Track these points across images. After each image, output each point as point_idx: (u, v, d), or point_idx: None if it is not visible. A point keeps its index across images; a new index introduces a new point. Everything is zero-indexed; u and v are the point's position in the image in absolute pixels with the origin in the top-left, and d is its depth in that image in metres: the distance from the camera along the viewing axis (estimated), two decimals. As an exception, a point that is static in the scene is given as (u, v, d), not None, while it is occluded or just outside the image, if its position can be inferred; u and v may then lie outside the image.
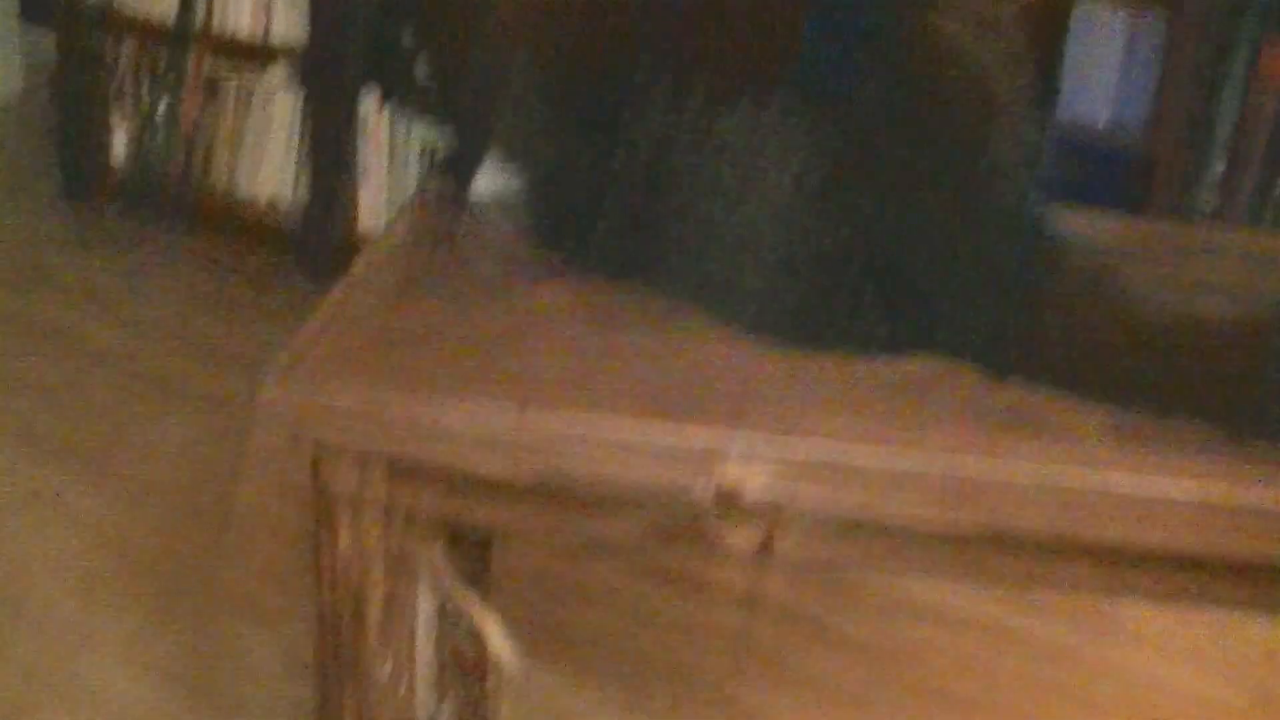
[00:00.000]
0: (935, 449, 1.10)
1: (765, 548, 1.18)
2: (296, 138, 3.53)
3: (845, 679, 2.17)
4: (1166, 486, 1.08)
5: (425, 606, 1.45)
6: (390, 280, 1.28)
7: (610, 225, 1.26)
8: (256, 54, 3.53)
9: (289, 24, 3.48)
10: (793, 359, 1.21)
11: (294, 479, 1.18)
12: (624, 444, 1.10)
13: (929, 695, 2.14)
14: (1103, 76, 2.66)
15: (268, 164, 3.59)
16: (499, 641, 1.49)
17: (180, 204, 3.66)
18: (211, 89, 3.65)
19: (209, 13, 3.58)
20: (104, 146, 3.79)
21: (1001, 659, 2.21)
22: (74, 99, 3.77)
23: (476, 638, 1.52)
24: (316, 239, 3.28)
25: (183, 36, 3.64)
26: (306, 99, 3.43)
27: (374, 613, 1.19)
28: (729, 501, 1.10)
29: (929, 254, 1.21)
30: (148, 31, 3.70)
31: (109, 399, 2.85)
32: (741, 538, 1.18)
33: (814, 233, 1.20)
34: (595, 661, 2.20)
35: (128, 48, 3.75)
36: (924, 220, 1.21)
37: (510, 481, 1.12)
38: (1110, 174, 2.58)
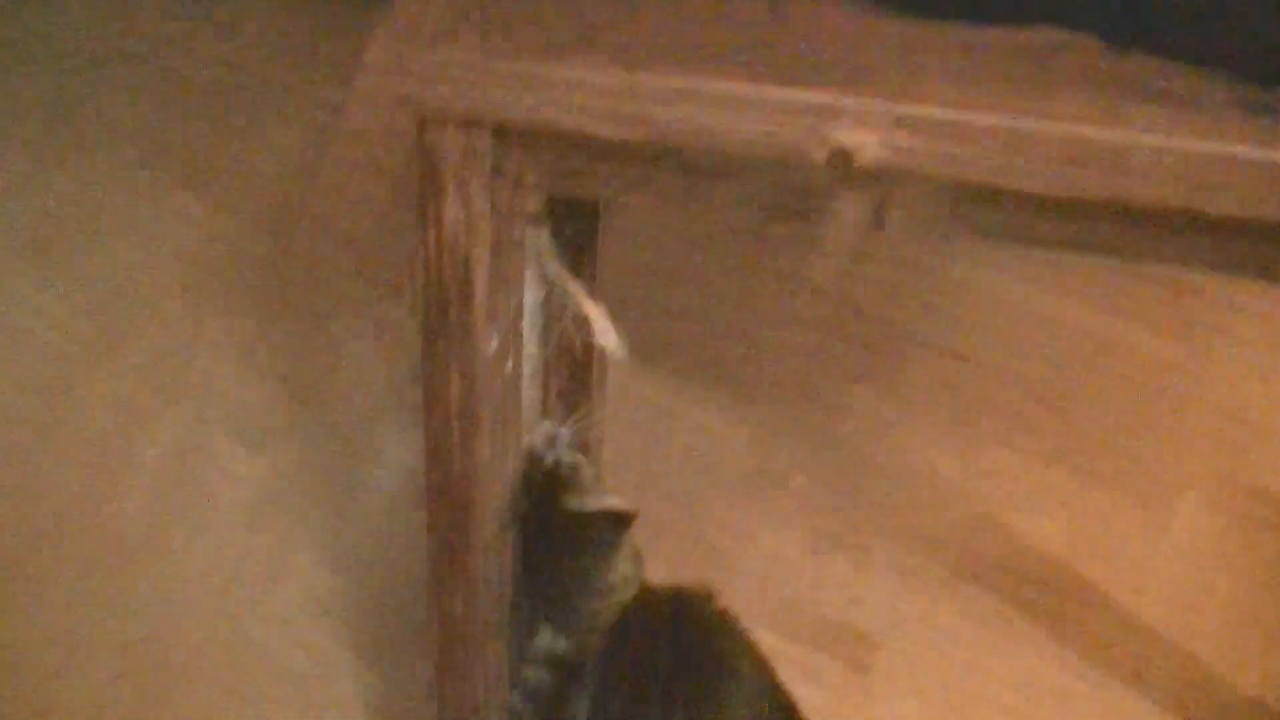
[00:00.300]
0: (1056, 115, 1.05)
1: (879, 216, 1.14)
2: None
3: (943, 387, 2.15)
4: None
5: (532, 294, 1.43)
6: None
7: None
8: None
9: None
10: (910, 24, 1.14)
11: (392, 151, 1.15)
12: (736, 103, 1.05)
13: (1029, 401, 2.12)
14: None
15: None
16: (604, 329, 1.48)
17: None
18: None
19: None
20: None
21: (1103, 370, 2.17)
22: None
23: (582, 325, 1.50)
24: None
25: None
26: None
27: (480, 284, 1.16)
28: (842, 163, 1.06)
29: None
30: None
31: (212, 106, 2.82)
32: (854, 206, 1.14)
33: None
34: (698, 359, 2.19)
35: None
36: None
37: (619, 144, 1.08)
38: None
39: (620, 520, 1.49)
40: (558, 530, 1.48)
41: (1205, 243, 1.12)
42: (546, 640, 1.49)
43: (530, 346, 1.45)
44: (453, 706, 1.45)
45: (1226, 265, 1.14)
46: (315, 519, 2.01)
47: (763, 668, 1.55)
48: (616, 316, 1.52)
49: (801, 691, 1.58)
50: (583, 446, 1.63)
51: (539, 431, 1.57)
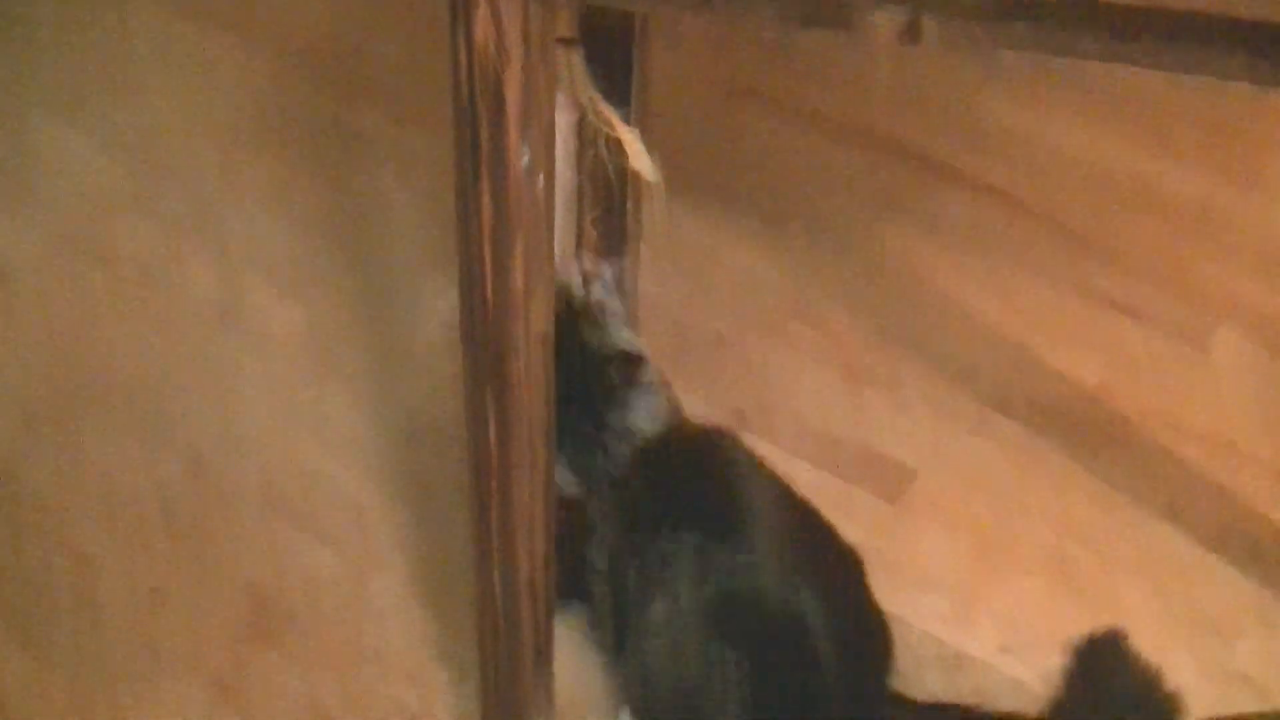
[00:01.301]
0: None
1: (911, 29, 1.12)
2: None
3: (981, 223, 2.15)
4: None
5: (565, 117, 1.42)
6: None
7: None
8: None
9: None
10: None
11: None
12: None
13: (1066, 241, 2.12)
14: None
15: None
16: (638, 153, 1.47)
17: None
18: None
19: None
20: None
21: (1141, 209, 2.17)
22: None
23: (615, 151, 1.49)
24: None
25: None
26: None
27: (513, 101, 1.15)
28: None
29: None
30: None
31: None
32: (886, 18, 1.12)
33: None
34: (735, 199, 2.19)
35: None
36: None
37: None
38: None
39: (630, 362, 1.49)
40: (574, 366, 1.49)
41: (1243, 55, 1.11)
42: (558, 477, 1.49)
43: (564, 172, 1.44)
44: (494, 541, 1.46)
45: (1265, 77, 1.13)
46: (353, 365, 2.02)
47: (784, 491, 1.55)
48: (651, 148, 1.52)
49: (836, 523, 1.59)
50: (615, 281, 1.63)
51: (576, 265, 1.57)
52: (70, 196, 2.25)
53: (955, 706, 1.61)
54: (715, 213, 2.15)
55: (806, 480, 1.57)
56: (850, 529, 1.60)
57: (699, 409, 1.62)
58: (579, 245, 1.60)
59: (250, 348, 2.05)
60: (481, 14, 1.12)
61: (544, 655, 1.56)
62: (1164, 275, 2.08)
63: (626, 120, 1.47)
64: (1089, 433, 1.90)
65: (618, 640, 1.56)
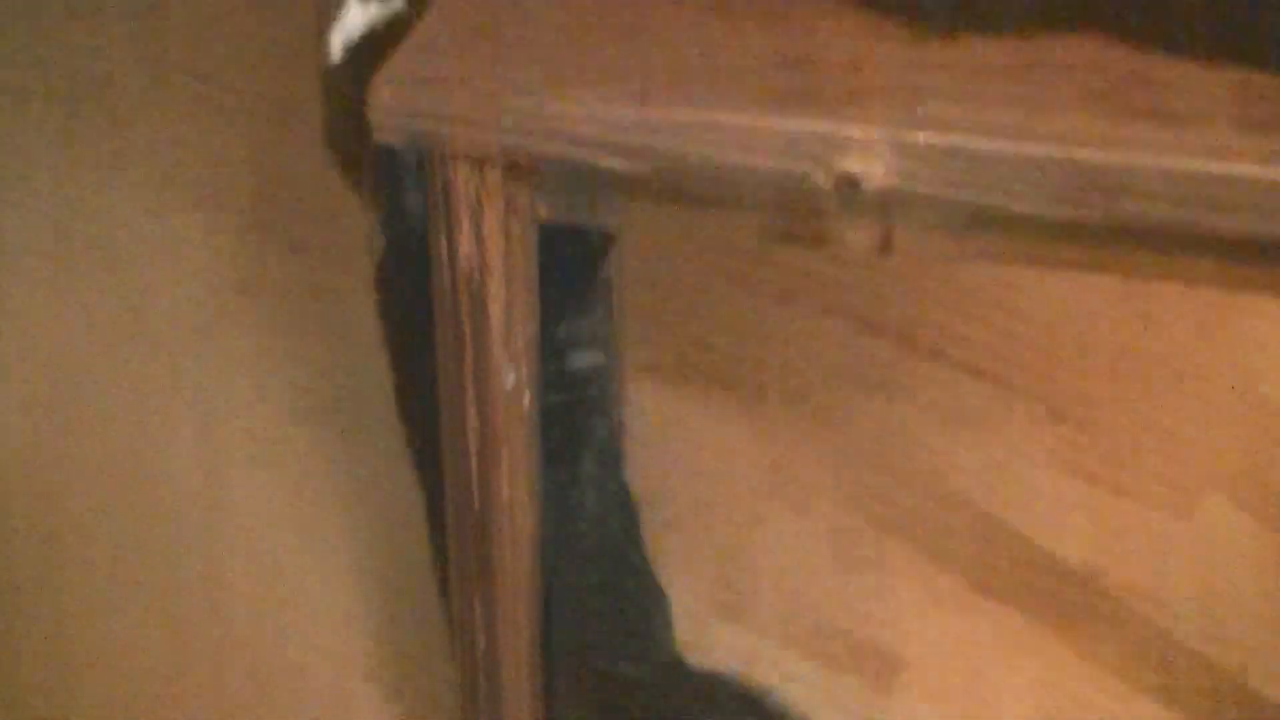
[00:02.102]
0: (1058, 137, 1.06)
1: (885, 243, 1.16)
2: None
3: (963, 399, 2.15)
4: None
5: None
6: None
7: None
8: None
9: None
10: (909, 43, 1.16)
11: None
12: (743, 135, 1.06)
13: (1049, 414, 2.12)
14: None
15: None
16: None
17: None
18: None
19: None
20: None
21: (1122, 376, 2.17)
22: None
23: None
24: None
25: None
26: None
27: (497, 319, 1.17)
28: (850, 190, 1.07)
29: None
30: None
31: (229, 128, 2.82)
32: (861, 232, 1.15)
33: None
34: (715, 375, 2.19)
35: None
36: None
37: (629, 176, 1.08)
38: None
39: None
40: None
41: (1212, 261, 1.13)
42: None
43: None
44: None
45: (1234, 282, 1.16)
46: (336, 541, 2.01)
47: None
48: (630, 329, 1.53)
49: (825, 716, 1.58)
50: (615, 434, 1.63)
51: None
52: (50, 360, 2.25)
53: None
54: (694, 390, 2.15)
55: (796, 673, 1.56)
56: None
57: (683, 599, 1.61)
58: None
59: (234, 528, 2.04)
60: (464, 232, 1.14)
61: None
62: (1148, 444, 2.08)
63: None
64: (1077, 612, 1.89)
65: None
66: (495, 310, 1.17)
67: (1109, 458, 2.06)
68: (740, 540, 1.99)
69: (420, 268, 1.41)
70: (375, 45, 1.31)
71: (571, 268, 1.43)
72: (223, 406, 2.19)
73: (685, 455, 2.09)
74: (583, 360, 1.48)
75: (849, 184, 1.05)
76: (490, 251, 1.14)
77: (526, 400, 1.22)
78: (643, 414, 1.83)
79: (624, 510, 1.62)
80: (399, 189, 1.39)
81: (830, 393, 2.17)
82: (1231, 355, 2.20)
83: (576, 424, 1.52)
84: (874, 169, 1.05)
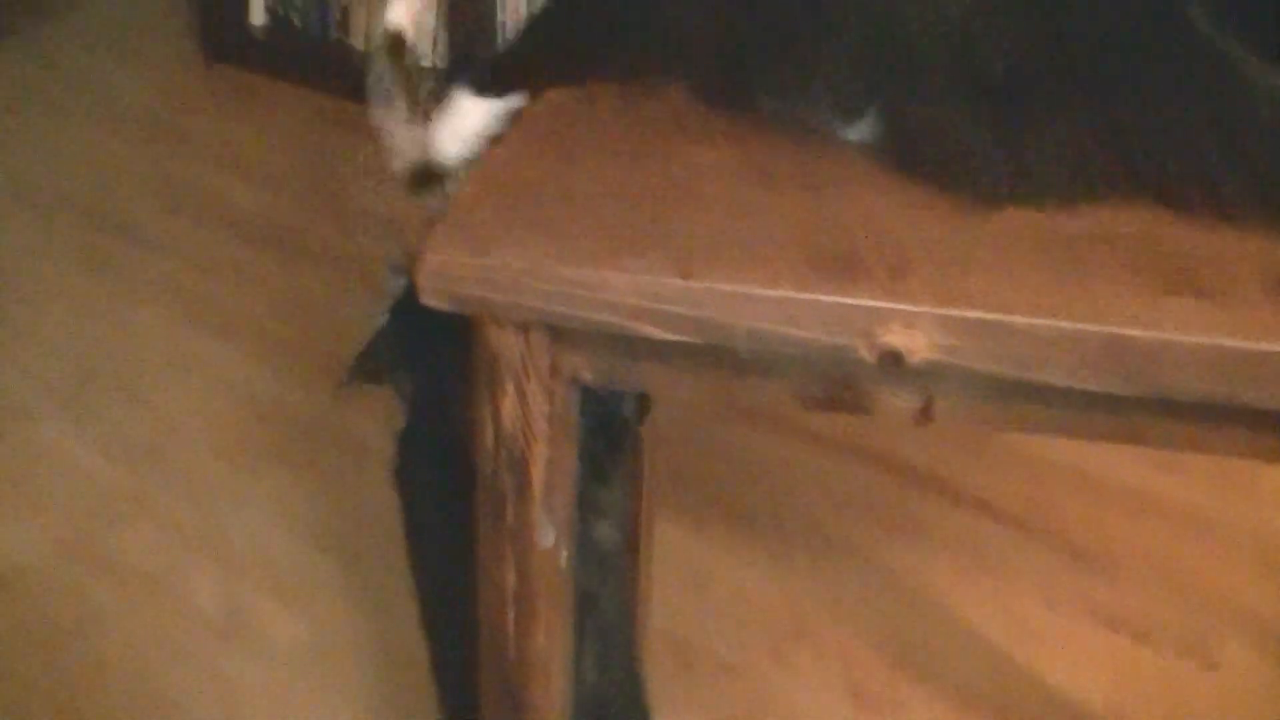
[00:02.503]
0: (1096, 313, 1.07)
1: (925, 411, 1.17)
2: (436, -3, 3.50)
3: (984, 541, 2.16)
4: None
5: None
6: (547, 140, 1.25)
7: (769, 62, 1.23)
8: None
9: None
10: (955, 215, 1.17)
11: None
12: (787, 306, 1.07)
13: (1070, 558, 2.13)
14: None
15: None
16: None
17: (317, 64, 3.65)
18: (347, -54, 3.63)
19: None
20: (243, 9, 3.78)
21: (1141, 521, 2.18)
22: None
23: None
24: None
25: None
26: None
27: (537, 479, 1.18)
28: (891, 364, 1.08)
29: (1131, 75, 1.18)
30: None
31: (250, 259, 2.87)
32: (901, 401, 1.17)
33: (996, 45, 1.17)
34: (736, 516, 2.20)
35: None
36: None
37: (672, 344, 1.10)
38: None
39: None
40: None
41: (1245, 433, 1.14)
42: None
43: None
44: None
45: (1268, 454, 1.16)
46: (357, 678, 2.01)
47: None
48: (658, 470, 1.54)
49: None
50: (623, 612, 1.63)
51: None
52: (73, 501, 2.26)
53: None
54: (717, 531, 2.16)
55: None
56: None
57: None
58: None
59: (252, 659, 2.04)
60: (508, 395, 1.15)
61: None
62: (1167, 589, 2.09)
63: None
64: (1097, 759, 1.90)
65: None
66: (537, 472, 1.18)
67: (1130, 604, 2.07)
68: (761, 680, 1.99)
69: (439, 440, 1.44)
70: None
71: (609, 429, 1.44)
72: (242, 535, 2.20)
73: (707, 593, 2.10)
74: (599, 532, 1.48)
75: (892, 358, 1.06)
76: (533, 414, 1.15)
77: (564, 558, 1.23)
78: (668, 556, 1.83)
79: (626, 687, 1.62)
80: (425, 362, 1.42)
81: (853, 534, 2.18)
82: (1251, 504, 2.22)
83: (586, 594, 1.52)
84: (916, 343, 1.06)
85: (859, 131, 1.22)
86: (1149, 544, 2.15)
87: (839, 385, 1.16)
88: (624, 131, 1.26)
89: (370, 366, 1.44)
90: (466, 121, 1.30)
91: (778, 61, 1.21)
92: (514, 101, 1.30)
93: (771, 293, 1.07)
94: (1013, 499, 2.20)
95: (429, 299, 1.10)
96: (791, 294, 1.07)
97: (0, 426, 2.40)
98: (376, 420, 2.36)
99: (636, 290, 1.07)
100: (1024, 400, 1.14)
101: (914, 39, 1.18)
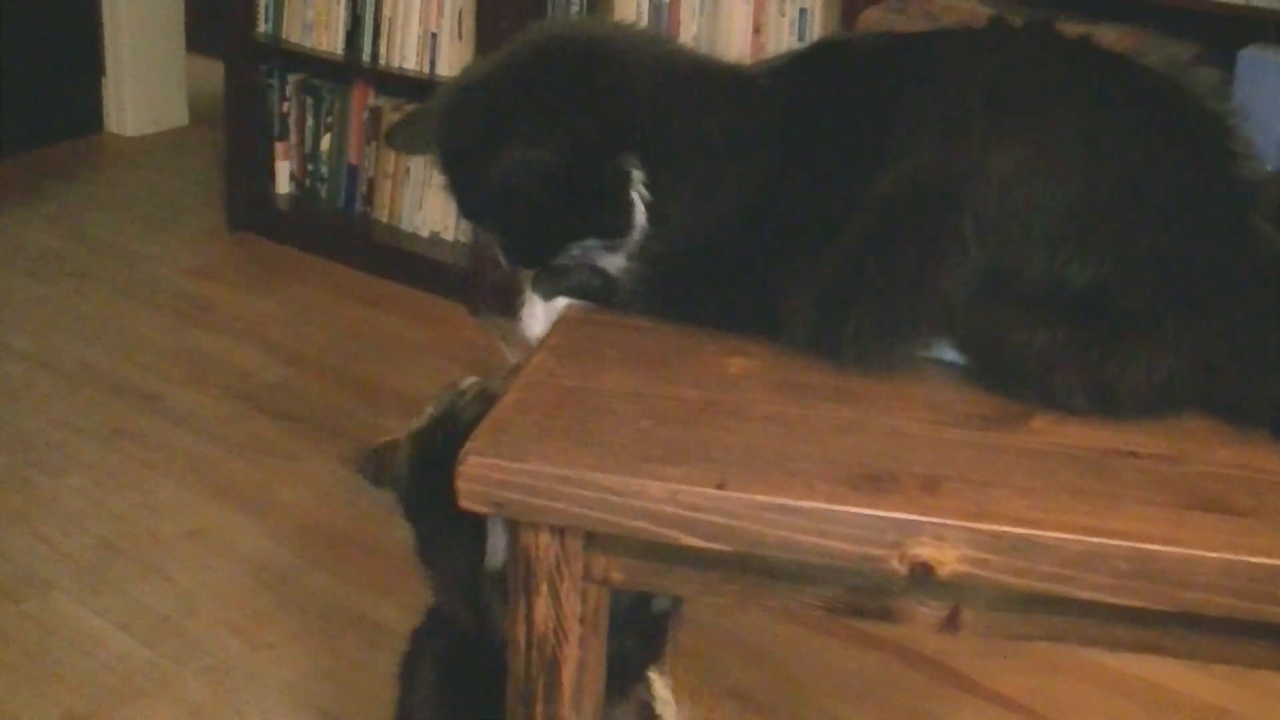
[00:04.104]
0: (1123, 530, 1.09)
1: (952, 620, 1.19)
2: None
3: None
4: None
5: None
6: (582, 349, 1.28)
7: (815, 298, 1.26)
8: (421, 87, 3.57)
9: (453, 58, 3.51)
10: (984, 428, 1.20)
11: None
12: (820, 518, 1.09)
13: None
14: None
15: (431, 196, 3.62)
16: (667, 701, 1.50)
17: (342, 236, 3.71)
18: (375, 122, 3.70)
19: (375, 46, 3.62)
20: (268, 178, 3.85)
21: (1162, 714, 2.18)
22: (239, 129, 3.83)
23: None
24: (482, 275, 3.29)
25: (349, 69, 3.69)
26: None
27: (568, 679, 1.19)
28: (923, 576, 1.09)
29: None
30: (314, 63, 3.75)
31: (271, 434, 2.89)
32: (929, 610, 1.19)
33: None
34: (751, 702, 2.20)
35: (294, 80, 3.81)
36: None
37: (705, 552, 1.11)
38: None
39: None
40: None
41: (1270, 646, 1.16)
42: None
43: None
44: None
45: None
46: None
47: None
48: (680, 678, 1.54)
49: None
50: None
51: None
52: (88, 674, 2.26)
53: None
54: (730, 715, 2.16)
55: None
56: None
57: None
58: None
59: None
60: (542, 596, 1.17)
61: None
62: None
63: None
64: None
65: None
66: (568, 672, 1.19)
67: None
68: None
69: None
70: None
71: (641, 625, 1.46)
72: (258, 716, 2.20)
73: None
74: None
75: (922, 570, 1.08)
76: (567, 615, 1.17)
77: (592, 756, 1.24)
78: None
79: None
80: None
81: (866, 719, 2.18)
82: (1266, 698, 2.21)
83: None
84: (946, 556, 1.08)
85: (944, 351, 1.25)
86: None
87: (867, 594, 1.18)
88: (655, 340, 1.29)
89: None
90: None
91: (878, 309, 1.25)
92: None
93: (804, 504, 1.09)
94: (1031, 693, 2.20)
95: (468, 502, 1.12)
96: (824, 506, 1.09)
97: (17, 595, 2.41)
98: (396, 603, 2.38)
99: (673, 499, 1.09)
100: (1049, 612, 1.16)
101: (1013, 258, 1.21)
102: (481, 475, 1.11)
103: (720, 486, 1.10)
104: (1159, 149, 1.23)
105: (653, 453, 1.13)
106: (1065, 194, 1.21)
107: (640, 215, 1.29)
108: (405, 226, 3.68)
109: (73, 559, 2.50)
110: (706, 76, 1.37)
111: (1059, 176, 1.21)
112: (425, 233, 3.64)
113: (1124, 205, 1.21)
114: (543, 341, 1.29)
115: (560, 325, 1.31)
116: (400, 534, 2.44)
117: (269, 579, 2.47)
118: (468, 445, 1.13)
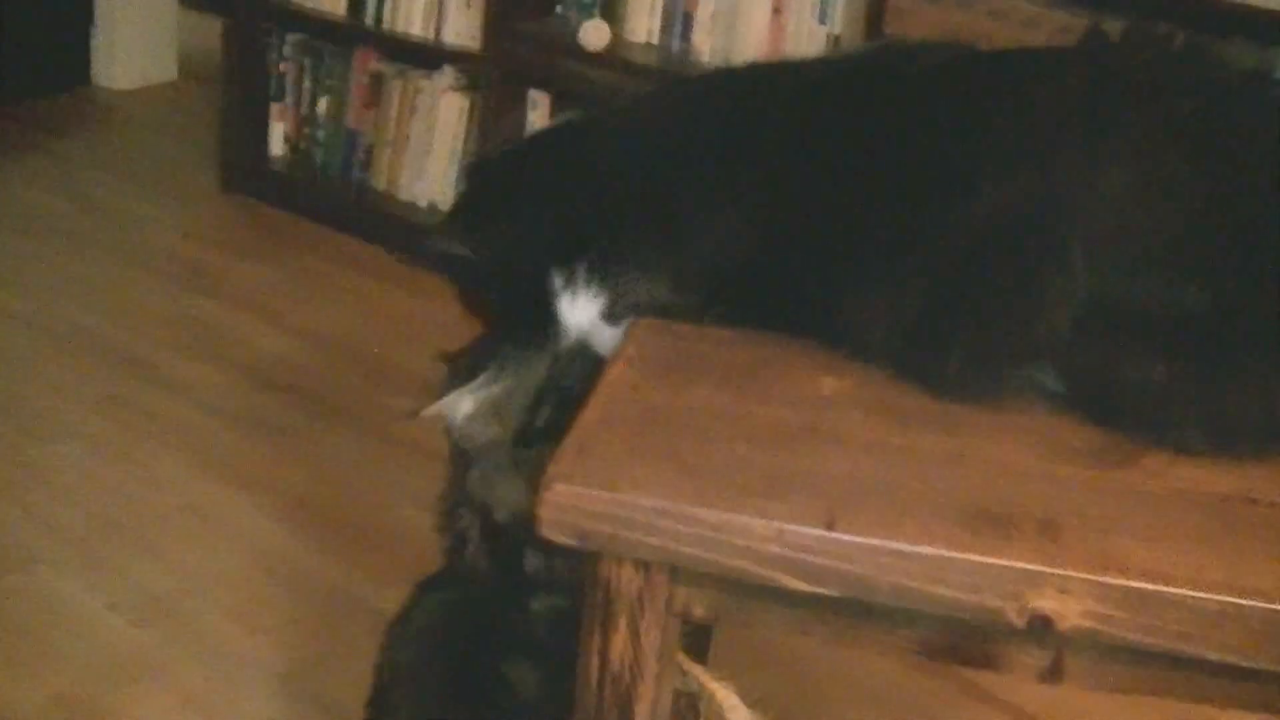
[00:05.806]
0: (1250, 587, 1.02)
1: (1054, 670, 1.12)
2: (463, 141, 3.47)
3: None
4: None
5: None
6: (663, 361, 1.20)
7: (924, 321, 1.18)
8: (426, 54, 3.47)
9: (461, 27, 3.41)
10: (1098, 464, 1.13)
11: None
12: (937, 564, 1.02)
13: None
14: None
15: (431, 166, 3.52)
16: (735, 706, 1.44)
17: (339, 203, 3.61)
18: (377, 87, 3.60)
19: (380, 9, 3.52)
20: (263, 139, 3.75)
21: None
22: (236, 90, 3.72)
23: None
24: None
25: (351, 31, 3.59)
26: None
27: (641, 716, 1.11)
28: (1042, 628, 1.03)
29: None
30: (316, 23, 3.65)
31: (270, 407, 2.81)
32: (1030, 659, 1.11)
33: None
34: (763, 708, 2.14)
35: (292, 40, 3.70)
36: None
37: (810, 595, 1.04)
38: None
39: None
40: None
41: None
42: None
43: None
44: None
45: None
46: None
47: None
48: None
49: None
50: None
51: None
52: (78, 656, 2.18)
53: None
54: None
55: None
56: None
57: None
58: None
59: None
60: (619, 630, 1.09)
61: None
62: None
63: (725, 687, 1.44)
64: None
65: None
66: (642, 710, 1.11)
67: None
68: None
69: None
70: None
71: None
72: (252, 703, 2.12)
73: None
74: None
75: (1041, 622, 1.01)
76: (645, 651, 1.09)
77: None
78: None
79: None
80: None
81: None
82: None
83: None
84: (1070, 610, 1.01)
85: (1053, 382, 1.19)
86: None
87: (969, 638, 1.10)
88: (740, 353, 1.22)
89: None
90: None
91: (980, 342, 1.18)
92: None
93: (922, 550, 1.01)
94: (1049, 704, 2.17)
95: (551, 532, 1.04)
96: (943, 552, 1.01)
97: (6, 572, 2.32)
98: (398, 589, 2.30)
99: (779, 538, 1.02)
100: (1164, 668, 1.08)
101: (1126, 283, 1.15)
102: (570, 505, 1.03)
103: (829, 526, 1.02)
104: (1274, 162, 1.17)
105: (754, 484, 1.05)
106: (1181, 211, 1.14)
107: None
108: (404, 196, 3.58)
109: (61, 532, 2.41)
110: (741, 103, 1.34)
111: (1174, 193, 1.15)
112: (423, 203, 3.54)
113: (1243, 223, 1.15)
114: (620, 351, 1.21)
115: (637, 334, 1.23)
116: (402, 514, 2.41)
117: (266, 560, 2.39)
118: (551, 469, 1.05)
